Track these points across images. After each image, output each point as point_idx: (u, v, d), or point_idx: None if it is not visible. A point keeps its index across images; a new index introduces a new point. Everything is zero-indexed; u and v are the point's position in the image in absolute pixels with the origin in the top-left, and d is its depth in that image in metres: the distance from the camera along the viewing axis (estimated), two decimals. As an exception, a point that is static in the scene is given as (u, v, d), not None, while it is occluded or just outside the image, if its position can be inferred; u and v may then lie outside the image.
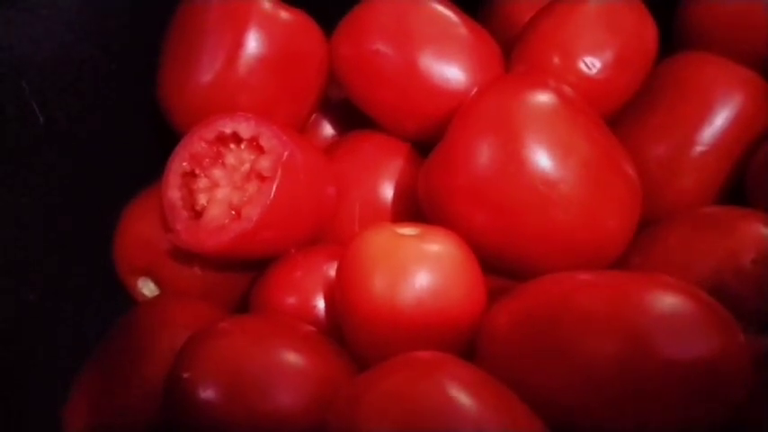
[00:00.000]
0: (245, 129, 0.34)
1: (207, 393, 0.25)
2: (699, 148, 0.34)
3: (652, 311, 0.23)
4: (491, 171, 0.30)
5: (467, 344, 0.29)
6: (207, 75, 0.35)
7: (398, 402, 0.22)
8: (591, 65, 0.35)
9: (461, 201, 0.32)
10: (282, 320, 0.31)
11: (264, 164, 0.33)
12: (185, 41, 0.37)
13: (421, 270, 0.28)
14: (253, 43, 0.36)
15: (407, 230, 0.30)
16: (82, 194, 0.37)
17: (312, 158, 0.35)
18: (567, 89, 0.32)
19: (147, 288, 0.38)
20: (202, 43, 0.36)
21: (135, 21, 0.39)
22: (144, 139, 0.41)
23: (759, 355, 0.25)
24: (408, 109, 0.38)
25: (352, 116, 0.42)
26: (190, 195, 0.34)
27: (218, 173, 0.34)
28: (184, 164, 0.34)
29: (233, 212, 0.33)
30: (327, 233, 0.38)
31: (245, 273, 0.38)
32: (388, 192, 0.37)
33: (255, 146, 0.34)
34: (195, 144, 0.34)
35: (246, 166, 0.34)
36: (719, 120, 0.33)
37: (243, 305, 0.38)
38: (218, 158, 0.35)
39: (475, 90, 0.34)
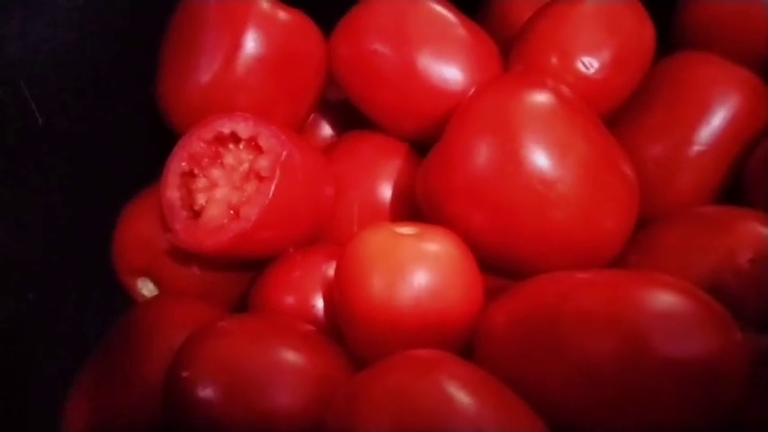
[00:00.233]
0: (244, 129, 0.34)
1: (206, 392, 0.25)
2: (696, 148, 0.34)
3: (650, 310, 0.23)
4: (489, 171, 0.30)
5: (465, 343, 0.29)
6: (205, 75, 0.36)
7: (397, 400, 0.22)
8: (589, 65, 0.35)
9: (459, 201, 0.32)
10: (281, 320, 0.31)
11: (263, 164, 0.33)
12: (184, 42, 0.37)
13: (419, 269, 0.28)
14: (251, 44, 0.36)
15: (406, 230, 0.31)
16: (82, 194, 0.37)
17: (310, 158, 0.35)
18: (564, 89, 0.32)
19: (147, 288, 0.38)
20: (201, 44, 0.36)
21: (134, 21, 0.39)
22: (143, 139, 0.41)
23: (757, 354, 0.25)
24: (407, 109, 0.38)
25: (350, 116, 0.42)
26: (188, 195, 0.34)
27: (216, 173, 0.35)
28: (183, 164, 0.34)
29: (232, 212, 0.33)
30: (326, 233, 0.38)
31: (244, 272, 0.38)
32: (386, 192, 0.37)
33: (254, 146, 0.34)
34: (194, 144, 0.34)
35: (245, 165, 0.34)
36: (717, 119, 0.33)
37: (242, 305, 0.38)
38: (216, 158, 0.35)
39: (473, 90, 0.34)
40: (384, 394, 0.23)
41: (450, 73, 0.36)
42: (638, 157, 0.34)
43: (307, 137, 0.43)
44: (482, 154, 0.30)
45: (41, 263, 0.35)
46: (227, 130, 0.34)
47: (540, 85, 0.32)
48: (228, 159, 0.35)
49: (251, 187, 0.33)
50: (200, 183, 0.34)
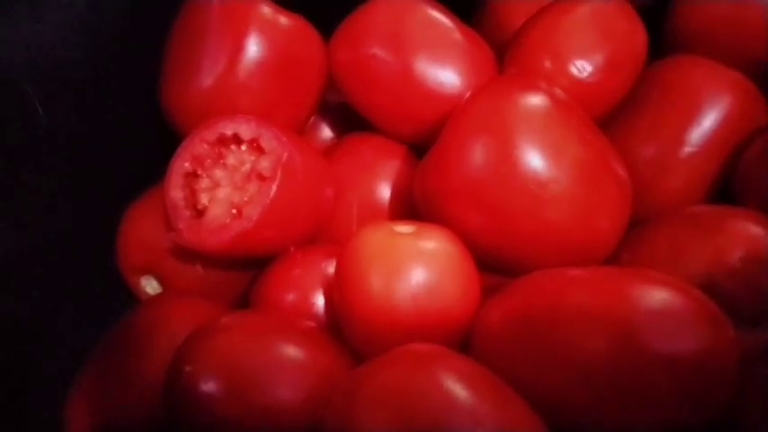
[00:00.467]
0: (246, 130, 0.34)
1: (208, 387, 0.25)
2: (687, 149, 0.34)
3: (643, 306, 0.24)
4: (484, 172, 0.30)
5: (462, 340, 0.30)
6: (208, 78, 0.36)
7: (394, 395, 0.22)
8: (582, 68, 0.35)
9: (455, 202, 0.32)
10: (282, 316, 0.32)
11: (265, 164, 0.34)
12: (187, 45, 0.37)
13: (417, 267, 0.29)
14: (253, 48, 0.36)
15: (404, 228, 0.31)
16: (82, 194, 0.37)
17: (311, 160, 0.36)
18: (558, 91, 0.32)
19: (151, 286, 0.38)
20: (203, 47, 0.36)
21: (136, 22, 0.39)
22: (143, 139, 0.41)
23: (749, 352, 0.25)
24: (404, 112, 0.38)
25: (349, 119, 0.43)
26: (192, 195, 0.34)
27: (219, 173, 0.35)
28: (186, 164, 0.35)
29: (234, 212, 0.33)
30: (326, 233, 0.38)
31: (246, 271, 0.38)
32: (385, 192, 0.38)
33: (256, 147, 0.34)
34: (197, 145, 0.35)
35: (247, 166, 0.34)
36: (708, 121, 0.34)
37: (243, 303, 0.38)
38: (219, 159, 0.35)
39: (468, 93, 0.35)
40: (381, 389, 0.23)
41: (446, 77, 0.36)
42: (631, 158, 0.34)
43: (307, 139, 0.43)
44: (478, 155, 0.31)
45: (41, 263, 0.35)
46: (229, 132, 0.34)
47: (534, 87, 0.32)
48: (231, 160, 0.35)
49: (253, 187, 0.34)
50: (203, 183, 0.35)
